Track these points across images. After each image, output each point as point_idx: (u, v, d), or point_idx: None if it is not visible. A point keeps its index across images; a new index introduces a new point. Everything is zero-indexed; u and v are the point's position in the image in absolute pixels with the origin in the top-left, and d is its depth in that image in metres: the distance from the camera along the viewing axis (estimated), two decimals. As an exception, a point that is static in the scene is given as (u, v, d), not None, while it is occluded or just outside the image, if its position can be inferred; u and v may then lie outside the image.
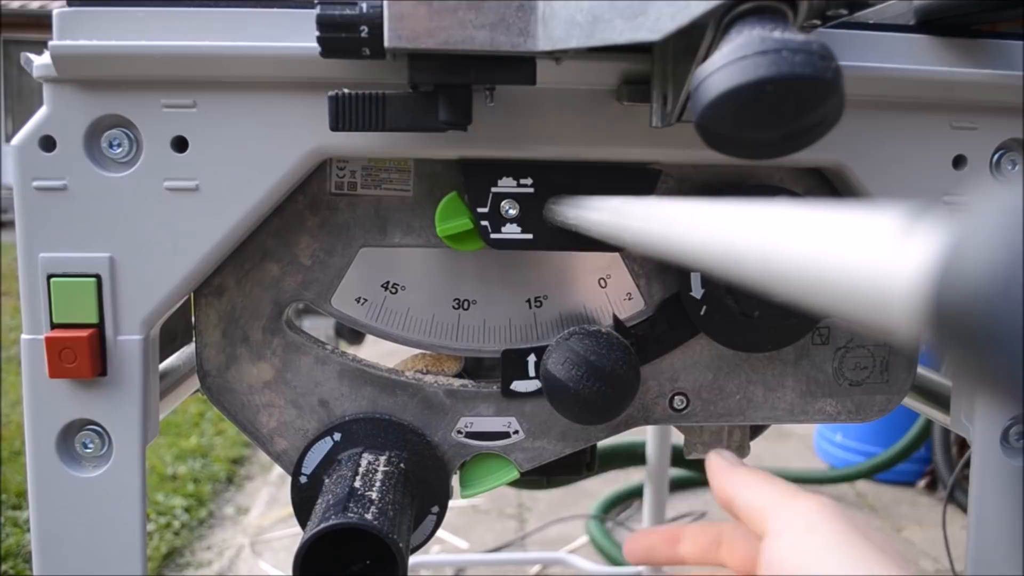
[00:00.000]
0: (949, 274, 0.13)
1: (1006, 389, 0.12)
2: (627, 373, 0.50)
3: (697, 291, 0.52)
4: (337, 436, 0.52)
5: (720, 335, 0.53)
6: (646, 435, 1.49)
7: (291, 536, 2.05)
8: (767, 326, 0.51)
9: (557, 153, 0.49)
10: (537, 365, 0.53)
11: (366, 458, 0.50)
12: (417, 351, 0.55)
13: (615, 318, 0.54)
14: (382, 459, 0.51)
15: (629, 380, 0.50)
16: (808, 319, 0.52)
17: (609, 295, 0.54)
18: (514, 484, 0.60)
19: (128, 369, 0.48)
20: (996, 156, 0.53)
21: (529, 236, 0.49)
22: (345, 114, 0.42)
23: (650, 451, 1.47)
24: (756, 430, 0.67)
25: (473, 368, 0.57)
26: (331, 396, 0.53)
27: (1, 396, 2.86)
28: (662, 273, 0.54)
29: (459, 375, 0.55)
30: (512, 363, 0.53)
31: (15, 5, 8.43)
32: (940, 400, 0.58)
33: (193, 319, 0.52)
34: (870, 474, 2.37)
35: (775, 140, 0.32)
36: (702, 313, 0.52)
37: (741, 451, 0.63)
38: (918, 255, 0.13)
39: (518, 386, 0.53)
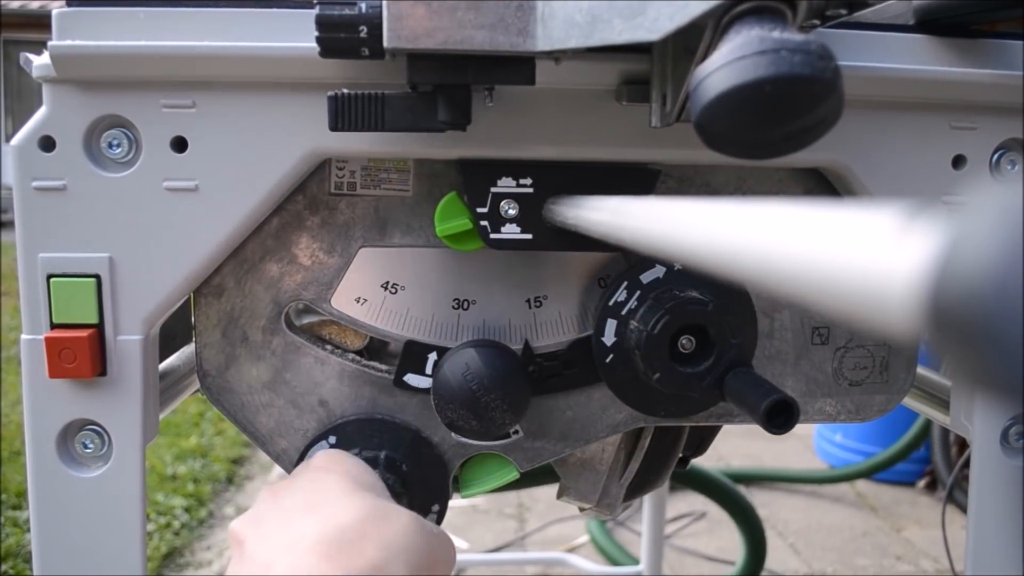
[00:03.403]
0: (947, 272, 0.13)
1: (1004, 388, 0.12)
2: (515, 398, 0.49)
3: (609, 338, 0.51)
4: (332, 439, 0.52)
5: (618, 387, 0.52)
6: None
7: (291, 536, 2.04)
8: (664, 393, 0.49)
9: (557, 153, 0.49)
10: (436, 365, 0.52)
11: (363, 457, 0.50)
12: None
13: (526, 343, 0.53)
14: (381, 457, 0.51)
15: (515, 404, 0.49)
16: (708, 399, 0.50)
17: (609, 295, 0.54)
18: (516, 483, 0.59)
19: (128, 369, 0.48)
20: (996, 156, 0.52)
21: (528, 236, 0.49)
22: (345, 114, 0.42)
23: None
24: (654, 474, 0.65)
25: (378, 349, 0.55)
26: (331, 396, 0.53)
27: (1, 396, 2.86)
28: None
29: (359, 352, 0.54)
30: (412, 355, 0.52)
31: (15, 5, 8.43)
32: (940, 400, 0.58)
33: (193, 319, 0.52)
34: (869, 474, 2.37)
35: (774, 140, 0.32)
36: (607, 360, 0.51)
37: (612, 509, 0.62)
38: (916, 253, 0.13)
39: (411, 379, 0.52)
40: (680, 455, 0.65)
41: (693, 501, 2.24)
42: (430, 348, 0.52)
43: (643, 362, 0.48)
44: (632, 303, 0.50)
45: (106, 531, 0.48)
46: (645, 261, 0.50)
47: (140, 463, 0.48)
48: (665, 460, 0.64)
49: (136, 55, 0.45)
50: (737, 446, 2.68)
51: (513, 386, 0.49)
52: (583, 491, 0.61)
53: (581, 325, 0.54)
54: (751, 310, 0.51)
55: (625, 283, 0.50)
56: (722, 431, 0.58)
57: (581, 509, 0.65)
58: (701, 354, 0.48)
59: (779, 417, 0.43)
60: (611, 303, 0.50)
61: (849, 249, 0.16)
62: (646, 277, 0.50)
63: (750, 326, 0.51)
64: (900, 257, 0.14)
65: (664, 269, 0.50)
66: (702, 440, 0.67)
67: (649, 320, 0.48)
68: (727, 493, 1.61)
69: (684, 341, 0.48)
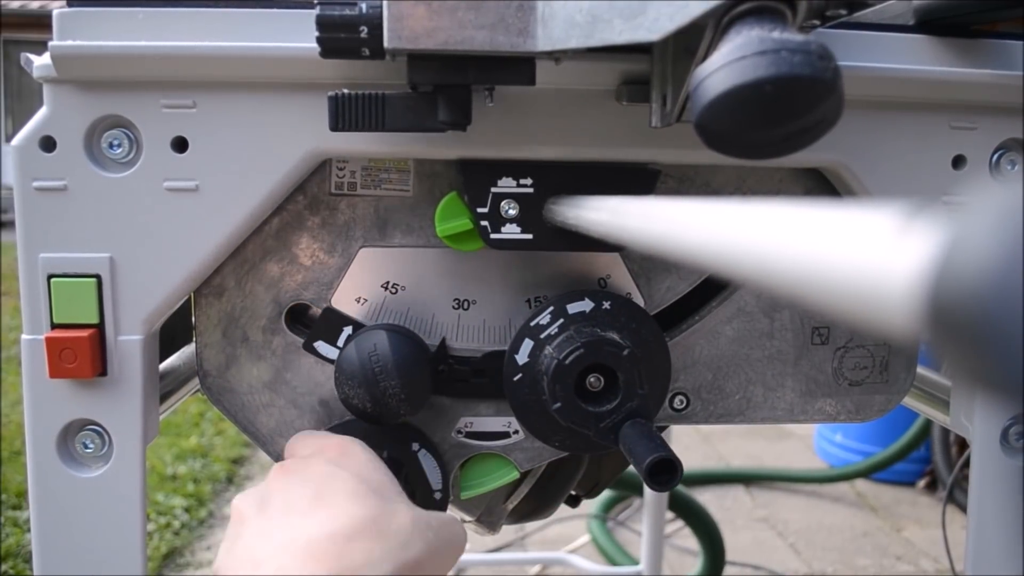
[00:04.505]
0: (946, 272, 0.13)
1: (1004, 388, 0.12)
2: (414, 391, 0.48)
3: (522, 357, 0.50)
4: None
5: (518, 407, 0.51)
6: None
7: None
8: (560, 424, 0.49)
9: (557, 153, 0.49)
10: (349, 339, 0.51)
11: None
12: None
13: (442, 341, 0.53)
14: (384, 457, 0.51)
15: (413, 397, 0.48)
16: (602, 442, 0.49)
17: (609, 295, 0.54)
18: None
19: (128, 369, 0.48)
20: (995, 156, 0.53)
21: (529, 236, 0.49)
22: (345, 114, 0.42)
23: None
24: (543, 500, 0.65)
25: (301, 312, 0.54)
26: (331, 396, 0.53)
27: (1, 396, 2.86)
28: (663, 273, 0.54)
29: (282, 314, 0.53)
30: (328, 324, 0.52)
31: (15, 5, 8.43)
32: (940, 400, 0.58)
33: (193, 319, 0.52)
34: (869, 473, 2.38)
35: (774, 140, 0.32)
36: (515, 379, 0.51)
37: (492, 528, 0.63)
38: (915, 253, 0.14)
39: (321, 347, 0.52)
40: (572, 493, 0.65)
41: (693, 501, 2.23)
42: (348, 321, 0.52)
43: (547, 388, 0.48)
44: (553, 329, 0.50)
45: (106, 531, 0.48)
46: (575, 292, 0.51)
47: (140, 463, 0.48)
48: (557, 492, 0.64)
49: (137, 55, 0.45)
50: (737, 446, 2.68)
51: (415, 378, 0.48)
52: (465, 504, 0.61)
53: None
54: (667, 366, 0.51)
55: (551, 308, 0.50)
56: (722, 431, 0.57)
57: (463, 521, 0.64)
58: (606, 396, 0.48)
59: (662, 475, 0.43)
60: (532, 324, 0.50)
61: (849, 249, 0.16)
62: (572, 308, 0.50)
63: (661, 381, 0.51)
64: (900, 257, 0.14)
65: (593, 304, 0.50)
66: (597, 483, 0.67)
67: (564, 349, 0.47)
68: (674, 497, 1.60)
69: (592, 379, 0.47)
